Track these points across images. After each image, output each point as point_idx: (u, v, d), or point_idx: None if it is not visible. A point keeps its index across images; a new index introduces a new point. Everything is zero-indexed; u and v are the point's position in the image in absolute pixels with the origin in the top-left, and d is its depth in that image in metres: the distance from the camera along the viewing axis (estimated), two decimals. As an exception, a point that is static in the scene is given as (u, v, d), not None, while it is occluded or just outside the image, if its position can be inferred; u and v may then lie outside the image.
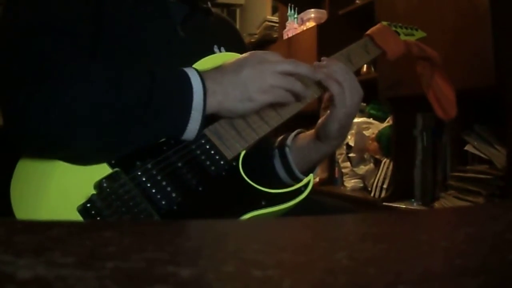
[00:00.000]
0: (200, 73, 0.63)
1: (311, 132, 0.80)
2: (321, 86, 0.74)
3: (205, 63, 0.70)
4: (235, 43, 0.88)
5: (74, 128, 0.57)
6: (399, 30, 0.93)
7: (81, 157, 0.60)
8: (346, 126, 0.76)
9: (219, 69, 0.66)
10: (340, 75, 0.72)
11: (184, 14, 0.77)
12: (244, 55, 0.68)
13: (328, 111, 0.74)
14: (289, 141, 0.81)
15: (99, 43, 0.66)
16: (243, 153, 0.67)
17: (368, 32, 0.88)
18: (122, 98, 0.58)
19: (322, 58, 0.77)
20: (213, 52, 0.79)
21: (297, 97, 0.69)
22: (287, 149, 0.80)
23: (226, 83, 0.64)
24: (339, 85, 0.72)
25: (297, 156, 0.80)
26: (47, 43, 0.61)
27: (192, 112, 0.61)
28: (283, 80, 0.66)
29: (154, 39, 0.71)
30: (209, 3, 0.85)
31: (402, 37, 0.91)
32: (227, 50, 0.81)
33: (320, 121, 0.77)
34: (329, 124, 0.74)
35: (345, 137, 0.79)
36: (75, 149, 0.59)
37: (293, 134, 0.83)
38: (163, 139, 0.63)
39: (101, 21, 0.66)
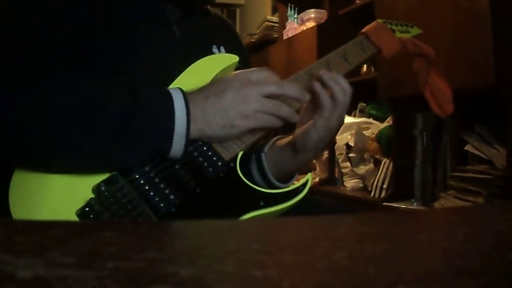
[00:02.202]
0: (185, 97, 0.61)
1: (288, 139, 0.77)
2: (311, 93, 0.70)
3: (203, 64, 0.69)
4: (233, 43, 0.87)
5: (44, 144, 0.55)
6: (394, 27, 0.92)
7: (58, 170, 0.59)
8: (325, 140, 0.73)
9: (202, 92, 0.63)
10: (340, 92, 0.69)
11: (180, 14, 0.76)
12: (228, 76, 0.65)
13: (310, 122, 0.71)
14: (266, 147, 0.79)
15: (93, 45, 0.64)
16: (240, 154, 0.67)
17: (364, 30, 0.87)
18: (99, 119, 0.56)
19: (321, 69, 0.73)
20: (212, 52, 0.78)
21: (285, 120, 0.65)
22: (263, 155, 0.77)
23: (207, 109, 0.61)
24: (333, 100, 0.69)
25: (272, 164, 0.77)
26: (23, 53, 0.59)
27: (174, 137, 0.59)
28: (267, 104, 0.63)
29: (149, 39, 0.69)
30: (208, 6, 0.83)
31: (398, 34, 0.91)
32: (226, 50, 0.81)
33: (298, 131, 0.74)
34: (308, 136, 0.71)
35: (323, 149, 0.76)
36: (47, 165, 0.58)
37: (271, 140, 0.80)
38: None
39: (95, 23, 0.65)
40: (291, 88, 0.66)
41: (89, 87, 0.58)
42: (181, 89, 0.62)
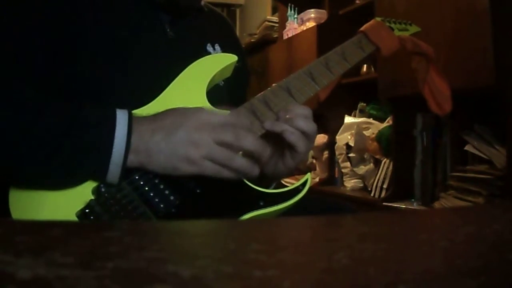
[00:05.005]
0: (130, 124, 0.57)
1: None
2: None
3: (201, 65, 0.68)
4: (229, 40, 0.85)
5: None
6: (393, 25, 0.92)
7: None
8: (293, 170, 0.72)
9: (154, 122, 0.59)
10: (305, 125, 0.65)
11: (170, 17, 0.74)
12: (189, 111, 0.60)
13: (278, 154, 0.69)
14: None
15: (81, 48, 0.63)
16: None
17: (362, 28, 0.87)
18: (33, 136, 0.55)
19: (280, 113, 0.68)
20: (206, 51, 0.77)
21: (240, 173, 0.61)
22: None
23: (152, 145, 0.57)
24: (302, 137, 0.66)
25: None
26: None
27: (110, 166, 0.57)
28: (217, 153, 0.59)
29: (142, 41, 0.68)
30: (202, 2, 0.80)
31: (396, 32, 0.91)
32: (222, 47, 0.79)
33: (267, 161, 0.69)
34: (278, 167, 0.70)
35: (291, 174, 0.74)
36: None
37: None
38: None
39: (78, 24, 0.64)
40: (250, 142, 0.61)
41: (31, 105, 0.58)
42: (129, 114, 0.58)
